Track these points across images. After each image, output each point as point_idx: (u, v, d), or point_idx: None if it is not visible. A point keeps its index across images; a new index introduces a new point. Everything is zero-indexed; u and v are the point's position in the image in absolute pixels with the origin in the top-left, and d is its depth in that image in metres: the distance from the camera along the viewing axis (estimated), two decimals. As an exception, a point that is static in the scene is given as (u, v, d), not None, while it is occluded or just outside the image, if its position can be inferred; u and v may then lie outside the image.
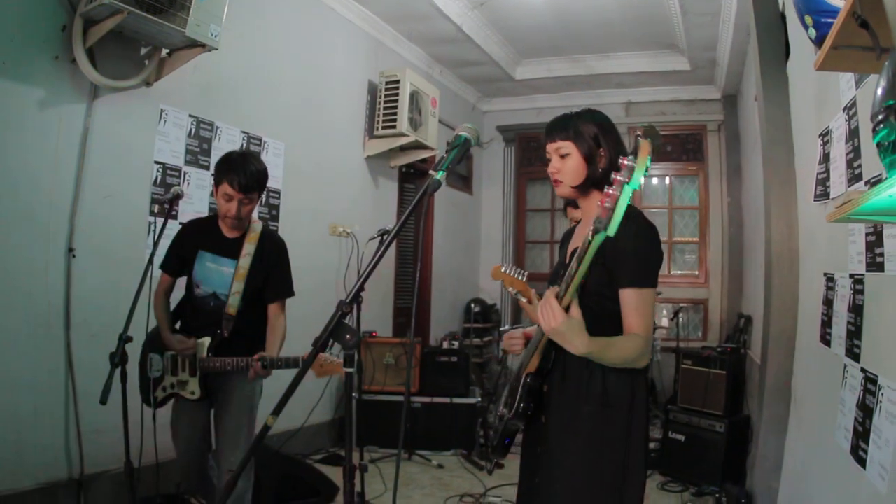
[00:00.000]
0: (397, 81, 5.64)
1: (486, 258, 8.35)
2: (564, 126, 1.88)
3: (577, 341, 1.62)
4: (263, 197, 4.25)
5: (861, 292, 2.23)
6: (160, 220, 2.94)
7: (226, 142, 4.23)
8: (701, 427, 4.56)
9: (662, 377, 6.66)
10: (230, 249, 2.93)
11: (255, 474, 3.04)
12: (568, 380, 1.80)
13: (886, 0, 1.17)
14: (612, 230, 1.40)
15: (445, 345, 6.14)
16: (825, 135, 2.75)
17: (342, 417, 5.28)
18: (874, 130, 1.12)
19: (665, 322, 6.93)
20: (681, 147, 7.56)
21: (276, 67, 4.71)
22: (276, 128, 4.71)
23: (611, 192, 1.38)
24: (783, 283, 3.50)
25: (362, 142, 5.79)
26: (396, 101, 5.61)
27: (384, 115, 5.68)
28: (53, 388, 3.25)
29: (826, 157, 2.74)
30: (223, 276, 2.92)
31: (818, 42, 1.74)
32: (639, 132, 1.40)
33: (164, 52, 3.62)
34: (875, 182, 2.00)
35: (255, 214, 3.01)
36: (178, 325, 3.02)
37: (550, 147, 1.91)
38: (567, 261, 1.92)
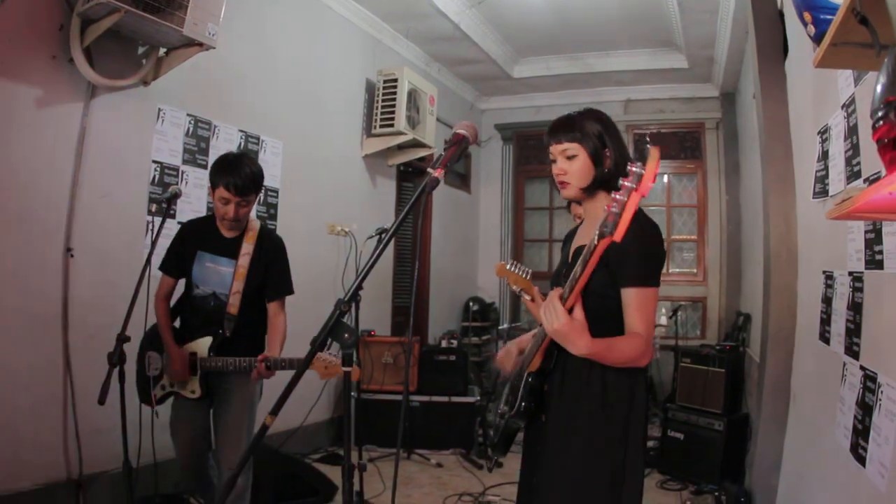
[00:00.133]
0: (395, 80, 5.62)
1: (484, 257, 8.35)
2: (570, 127, 1.86)
3: (580, 342, 1.63)
4: (261, 196, 4.26)
5: (860, 290, 2.23)
6: (158, 220, 2.93)
7: (224, 141, 4.23)
8: (700, 425, 4.57)
9: (661, 375, 6.66)
10: (229, 249, 2.93)
11: (253, 473, 3.03)
12: (568, 379, 1.80)
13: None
14: (618, 236, 1.41)
15: (444, 343, 6.13)
16: (824, 132, 2.75)
17: (341, 416, 5.28)
18: (874, 127, 1.12)
19: (664, 320, 6.93)
20: (679, 145, 7.56)
21: (274, 66, 4.70)
22: (274, 126, 4.70)
23: (618, 197, 1.38)
24: (782, 281, 3.50)
25: (360, 140, 5.79)
26: (394, 99, 5.60)
27: (382, 113, 5.66)
28: (51, 389, 3.25)
29: (825, 155, 2.73)
30: (222, 276, 2.92)
31: (817, 39, 1.74)
32: (647, 139, 1.40)
33: (162, 51, 3.61)
34: (874, 179, 2.00)
35: (252, 214, 3.01)
36: (177, 324, 3.02)
37: (556, 149, 1.88)
38: (570, 260, 1.92)
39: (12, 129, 3.07)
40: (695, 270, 7.46)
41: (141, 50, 3.61)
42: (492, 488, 4.27)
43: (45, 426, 3.21)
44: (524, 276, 2.11)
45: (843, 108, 2.42)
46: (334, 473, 4.11)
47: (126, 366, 2.58)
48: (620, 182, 1.38)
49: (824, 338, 2.70)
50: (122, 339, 2.55)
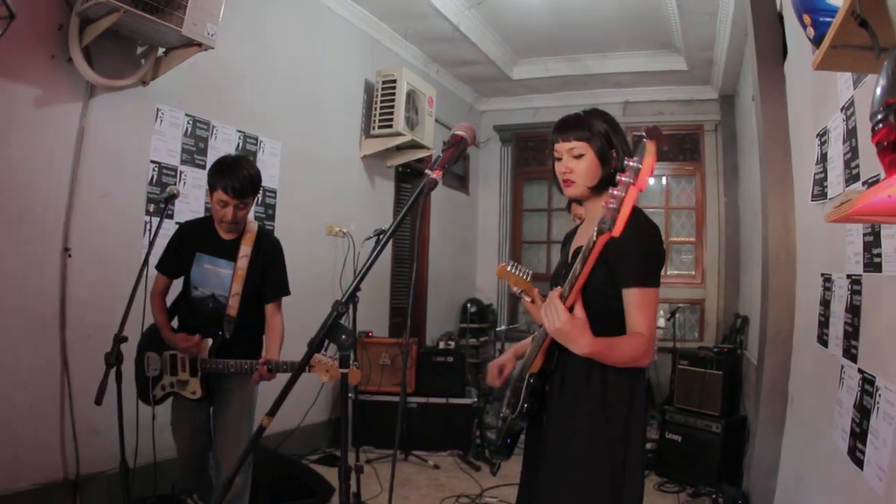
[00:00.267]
0: (394, 81, 5.62)
1: (482, 258, 8.35)
2: (579, 125, 1.85)
3: (581, 341, 1.62)
4: (259, 196, 4.26)
5: (858, 293, 2.23)
6: (156, 220, 2.93)
7: (222, 141, 4.22)
8: (697, 427, 4.57)
9: (659, 377, 6.66)
10: (227, 251, 2.94)
11: (251, 474, 3.04)
12: (568, 379, 1.80)
13: (887, -1, 1.17)
14: (617, 231, 1.40)
15: (442, 345, 6.12)
16: (823, 135, 2.75)
17: (338, 418, 5.28)
18: (873, 130, 1.12)
19: (662, 322, 6.92)
20: (678, 147, 7.57)
21: (273, 66, 4.70)
22: (273, 127, 4.69)
23: (616, 192, 1.38)
24: (780, 284, 3.50)
25: (359, 141, 5.78)
26: (393, 100, 5.59)
27: (381, 114, 5.66)
28: (49, 388, 3.24)
29: (823, 158, 2.74)
30: (221, 278, 2.93)
31: (816, 41, 1.74)
32: (643, 133, 1.39)
33: (161, 51, 3.61)
34: (873, 182, 2.00)
35: (251, 215, 3.01)
36: (174, 324, 3.02)
37: (562, 147, 1.87)
38: (570, 260, 1.92)
39: (11, 128, 3.06)
40: (693, 272, 7.47)
41: (140, 50, 3.61)
42: (489, 490, 4.27)
43: (42, 426, 3.21)
44: (525, 277, 2.12)
45: (842, 110, 2.42)
46: (331, 474, 4.11)
47: (123, 366, 2.58)
48: (618, 177, 1.38)
49: (822, 340, 2.70)
50: (120, 339, 2.55)
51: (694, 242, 7.49)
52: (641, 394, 1.79)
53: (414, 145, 5.95)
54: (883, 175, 1.12)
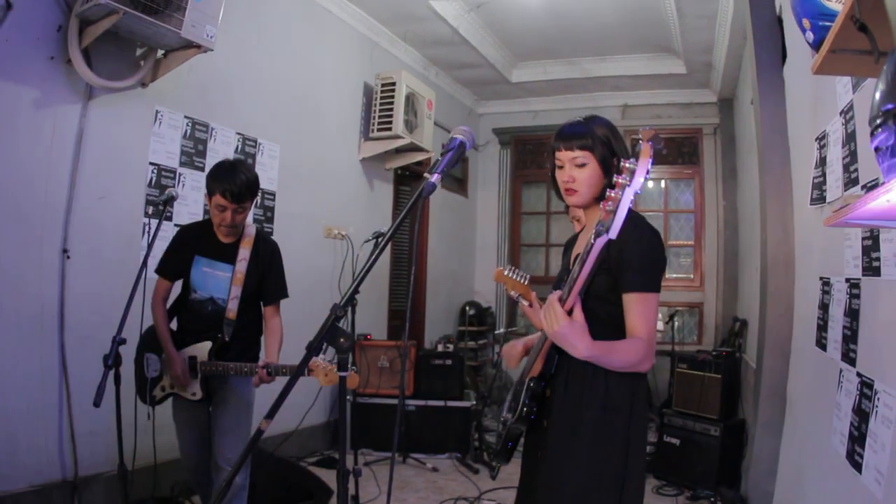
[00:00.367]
0: (393, 84, 5.62)
1: (481, 261, 8.35)
2: (582, 134, 1.83)
3: (580, 344, 1.62)
4: (258, 199, 4.26)
5: (857, 297, 2.23)
6: (155, 222, 2.94)
7: (221, 143, 4.22)
8: (696, 431, 4.56)
9: (657, 381, 6.65)
10: (226, 254, 2.95)
11: (250, 473, 3.04)
12: (571, 384, 1.80)
13: (888, 2, 1.17)
14: (613, 233, 1.40)
15: (440, 348, 6.11)
16: (821, 139, 2.76)
17: (336, 420, 5.27)
18: (872, 134, 1.12)
19: (660, 325, 6.93)
20: (676, 150, 7.57)
21: (272, 69, 4.70)
22: (272, 129, 4.69)
23: (612, 194, 1.38)
24: (779, 287, 3.50)
25: (358, 144, 5.78)
26: (392, 103, 5.60)
27: (380, 117, 5.66)
28: (47, 390, 3.23)
29: (822, 161, 2.74)
30: (220, 281, 2.93)
31: (815, 45, 1.74)
32: (640, 135, 1.39)
33: (160, 52, 3.61)
34: (872, 186, 2.00)
35: (249, 218, 3.01)
36: (173, 325, 3.01)
37: (565, 156, 1.84)
38: (570, 266, 1.91)
39: (10, 130, 3.06)
40: (692, 276, 7.47)
41: (139, 52, 3.61)
42: (488, 493, 4.26)
43: (41, 428, 3.20)
44: (522, 281, 2.11)
45: (841, 114, 2.42)
46: (330, 477, 4.10)
47: (121, 368, 2.57)
48: (615, 179, 1.38)
49: (821, 344, 2.71)
50: (118, 341, 2.55)
51: (693, 246, 7.49)
52: (642, 398, 1.79)
53: (413, 148, 5.95)
54: (882, 179, 1.12)
